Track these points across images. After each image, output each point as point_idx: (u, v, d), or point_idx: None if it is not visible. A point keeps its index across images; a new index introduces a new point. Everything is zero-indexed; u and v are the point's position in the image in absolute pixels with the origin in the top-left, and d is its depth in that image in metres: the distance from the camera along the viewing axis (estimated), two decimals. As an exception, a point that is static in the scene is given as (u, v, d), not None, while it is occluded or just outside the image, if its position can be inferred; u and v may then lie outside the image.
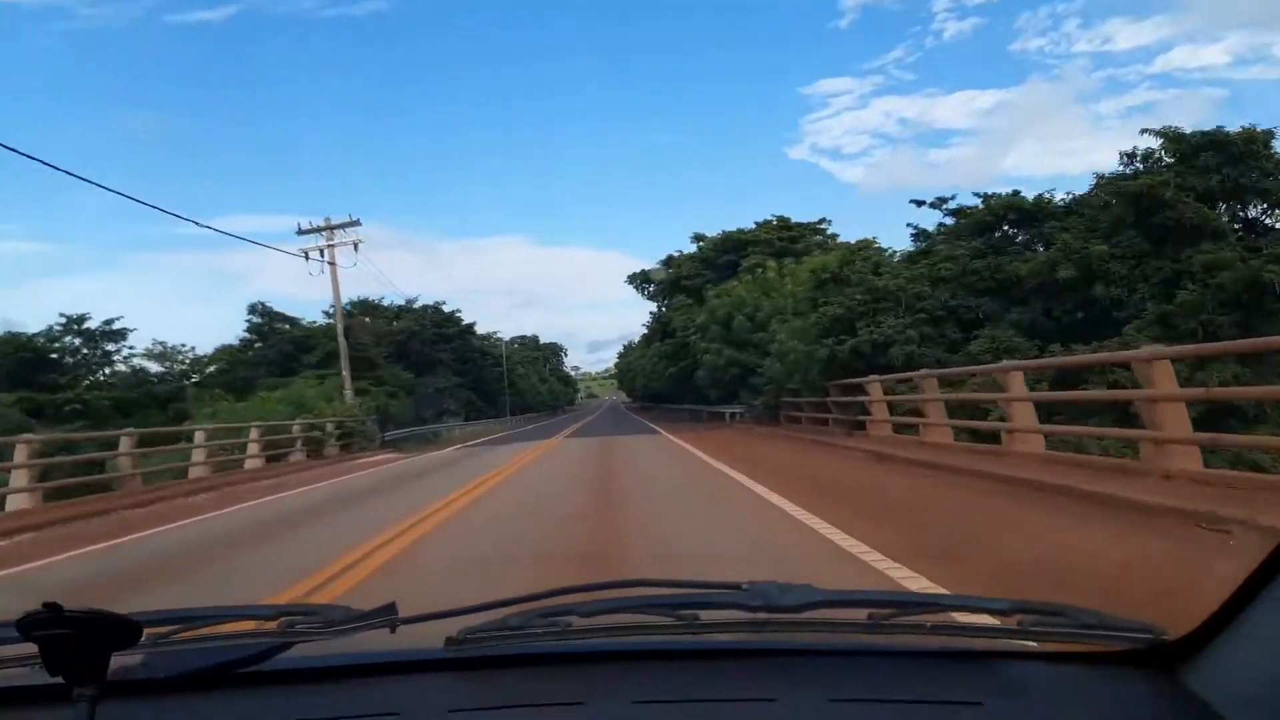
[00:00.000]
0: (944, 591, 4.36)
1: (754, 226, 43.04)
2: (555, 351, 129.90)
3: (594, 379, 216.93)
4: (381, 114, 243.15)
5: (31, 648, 0.98)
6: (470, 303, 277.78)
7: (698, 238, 44.92)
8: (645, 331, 63.62)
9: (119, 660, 1.04)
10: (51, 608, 0.94)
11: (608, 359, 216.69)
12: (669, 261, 48.77)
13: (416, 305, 51.47)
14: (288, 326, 43.03)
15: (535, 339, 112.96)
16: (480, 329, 60.88)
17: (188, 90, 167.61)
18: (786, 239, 40.39)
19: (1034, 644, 1.24)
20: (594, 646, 1.30)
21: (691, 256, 46.08)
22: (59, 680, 0.99)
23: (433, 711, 1.15)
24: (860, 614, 1.26)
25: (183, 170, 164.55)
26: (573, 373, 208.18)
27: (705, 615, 1.29)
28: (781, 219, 43.01)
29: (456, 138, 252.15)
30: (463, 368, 52.95)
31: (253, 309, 43.37)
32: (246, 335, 42.87)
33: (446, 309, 54.03)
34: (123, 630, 0.99)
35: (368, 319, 45.75)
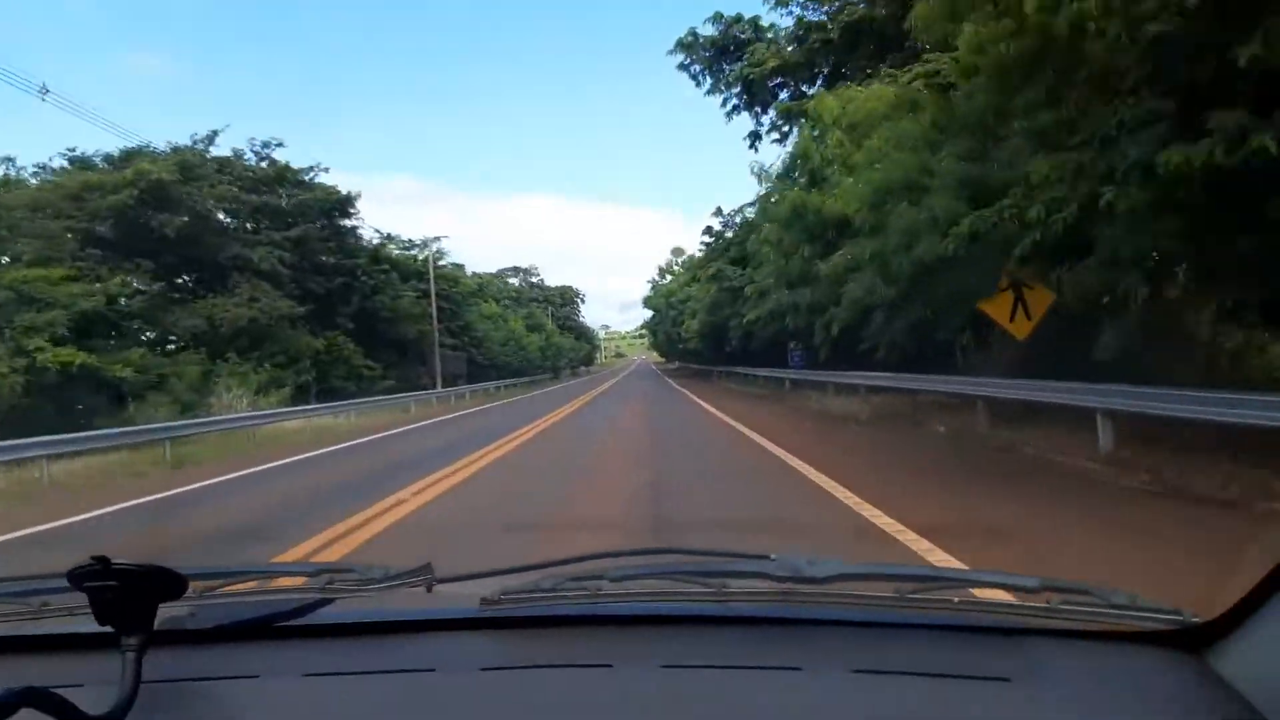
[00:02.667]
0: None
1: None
2: (569, 297, 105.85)
3: (623, 338, 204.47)
4: (428, 65, 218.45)
5: (82, 597, 1.01)
6: (494, 258, 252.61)
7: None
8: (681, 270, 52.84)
9: (166, 611, 1.06)
10: (100, 560, 0.97)
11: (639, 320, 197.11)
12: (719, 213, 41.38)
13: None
14: None
15: (538, 277, 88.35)
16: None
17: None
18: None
19: (1061, 622, 1.22)
20: (623, 610, 1.32)
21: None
22: (108, 629, 1.01)
23: (466, 668, 1.18)
24: (887, 588, 1.29)
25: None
26: (602, 331, 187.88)
27: (734, 584, 1.32)
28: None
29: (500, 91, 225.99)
30: (330, 290, 28.56)
31: None
32: None
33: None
34: (169, 583, 1.02)
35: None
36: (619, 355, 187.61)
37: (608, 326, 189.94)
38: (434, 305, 36.66)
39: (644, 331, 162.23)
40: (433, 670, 1.16)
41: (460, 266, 65.94)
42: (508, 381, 47.13)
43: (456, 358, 38.60)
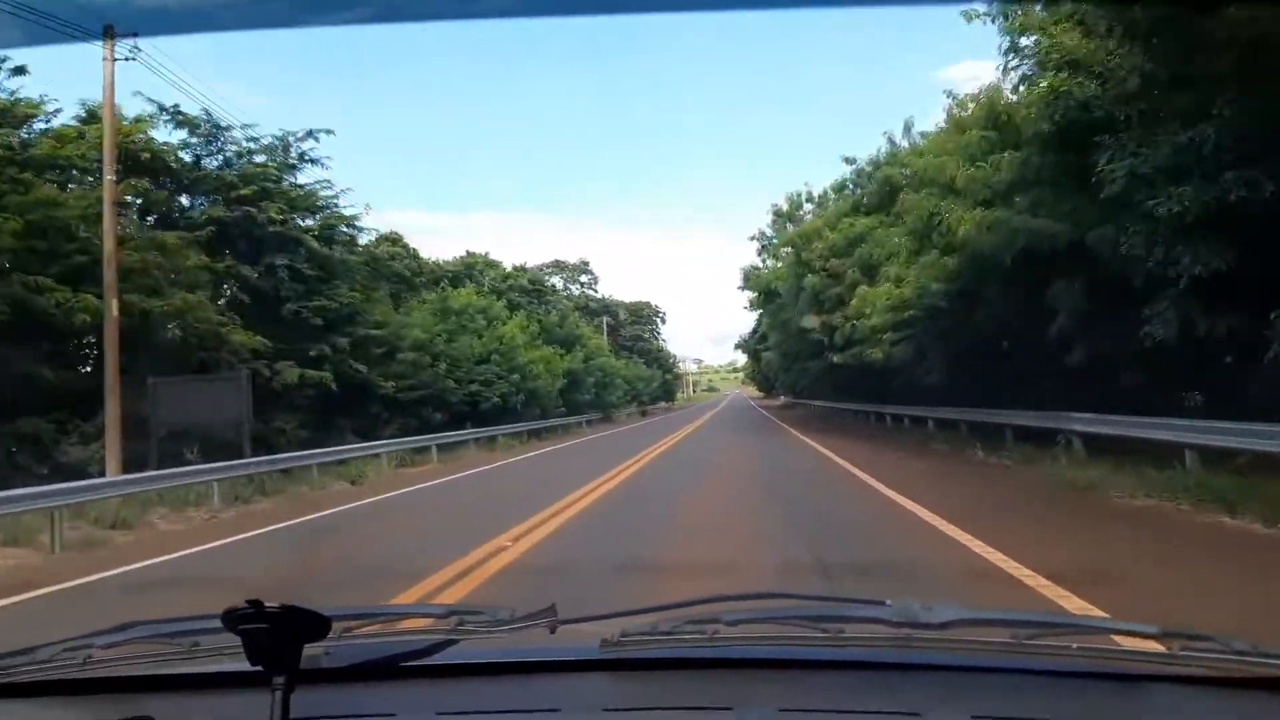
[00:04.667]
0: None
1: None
2: (643, 314, 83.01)
3: (715, 372, 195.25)
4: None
5: (230, 638, 1.09)
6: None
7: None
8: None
9: (308, 650, 1.14)
10: (253, 603, 1.04)
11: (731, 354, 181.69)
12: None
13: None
14: None
15: (589, 276, 64.74)
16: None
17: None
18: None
19: (1186, 669, 1.20)
20: (741, 653, 1.33)
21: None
22: (258, 669, 1.08)
23: (589, 708, 1.23)
24: (1004, 633, 1.27)
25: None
26: (693, 365, 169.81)
27: (849, 629, 1.32)
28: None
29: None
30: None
31: None
32: None
33: None
34: (314, 624, 1.10)
35: None
36: (711, 389, 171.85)
37: (700, 360, 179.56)
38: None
39: (738, 368, 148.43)
40: (557, 710, 1.22)
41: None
42: (470, 434, 23.98)
43: (225, 384, 15.65)
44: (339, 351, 19.92)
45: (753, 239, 33.64)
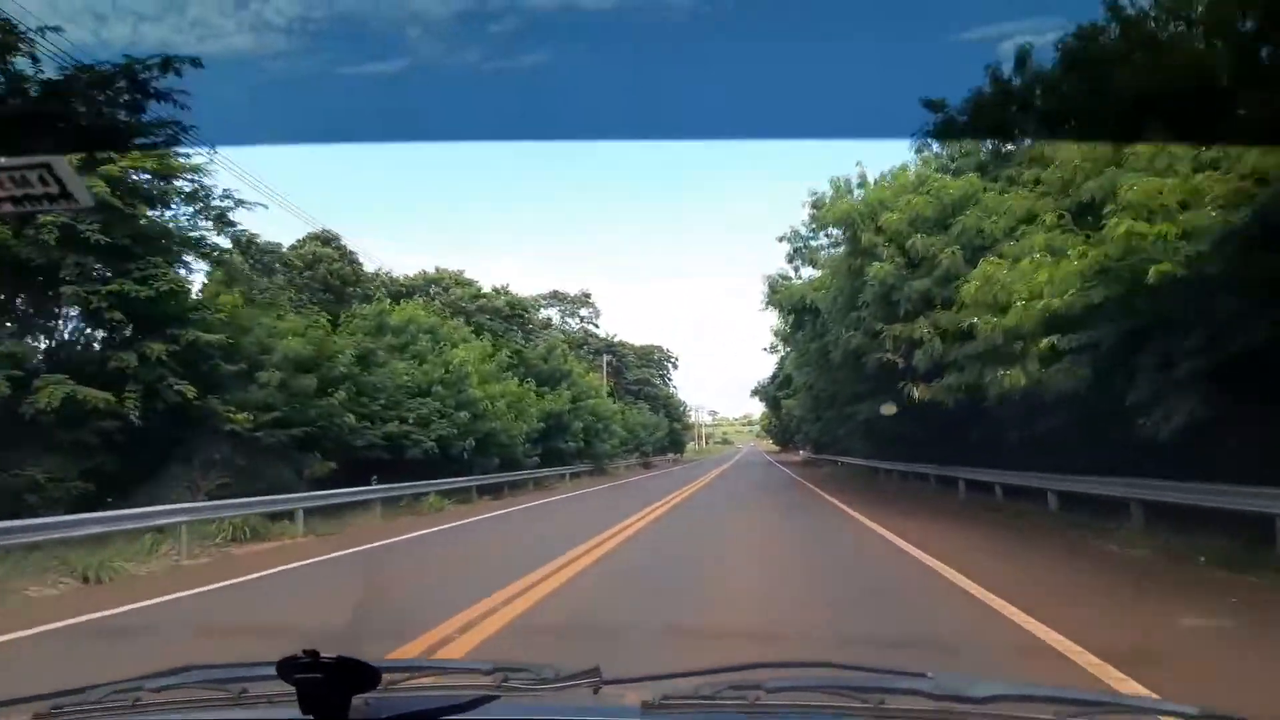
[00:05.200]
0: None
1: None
2: (652, 357, 76.18)
3: (731, 424, 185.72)
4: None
5: (280, 684, 1.12)
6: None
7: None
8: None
9: (356, 699, 1.16)
10: (310, 653, 1.07)
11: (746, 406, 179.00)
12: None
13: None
14: None
15: (591, 309, 57.28)
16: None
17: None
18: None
19: None
20: None
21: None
22: (309, 718, 1.10)
23: None
24: (1046, 710, 1.26)
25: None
26: (708, 416, 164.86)
27: (890, 700, 1.31)
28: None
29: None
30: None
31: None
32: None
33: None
34: (365, 674, 1.12)
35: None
36: (725, 442, 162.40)
37: (715, 412, 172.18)
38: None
39: (753, 421, 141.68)
40: None
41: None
42: (371, 492, 16.64)
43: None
44: (152, 363, 12.75)
45: (782, 239, 23.96)
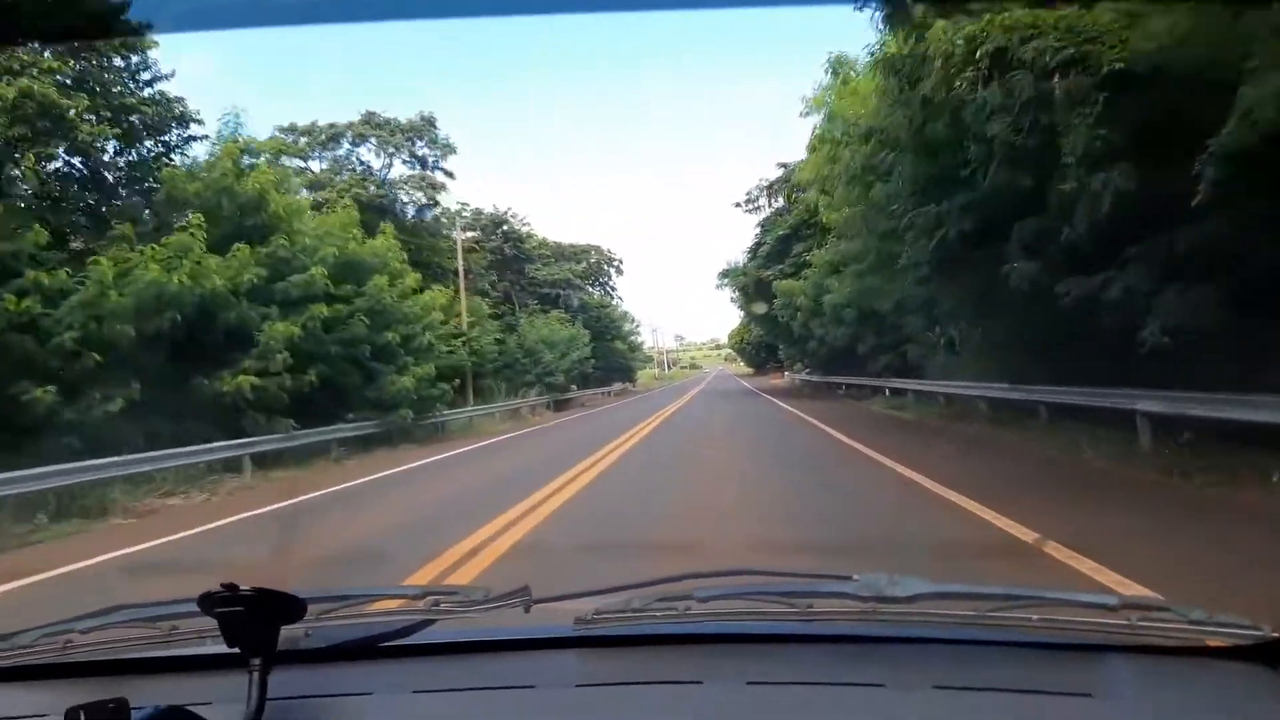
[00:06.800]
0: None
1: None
2: (589, 261, 56.04)
3: (698, 349, 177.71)
4: None
5: (210, 620, 1.08)
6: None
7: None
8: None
9: (285, 632, 1.13)
10: (228, 586, 1.04)
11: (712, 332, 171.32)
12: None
13: None
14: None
15: (444, 147, 34.78)
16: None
17: None
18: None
19: (1140, 639, 1.21)
20: (712, 629, 1.35)
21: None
22: (235, 650, 1.08)
23: (564, 685, 1.23)
24: (968, 606, 1.30)
25: None
26: (675, 342, 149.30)
27: (818, 603, 1.34)
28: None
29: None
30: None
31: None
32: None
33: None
34: (290, 606, 1.10)
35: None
36: (693, 366, 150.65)
37: (682, 337, 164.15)
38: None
39: (720, 345, 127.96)
40: (532, 687, 1.21)
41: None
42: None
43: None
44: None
45: (805, 114, 16.07)
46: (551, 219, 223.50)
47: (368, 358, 17.35)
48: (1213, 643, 1.17)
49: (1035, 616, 1.26)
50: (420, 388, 18.01)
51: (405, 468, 14.49)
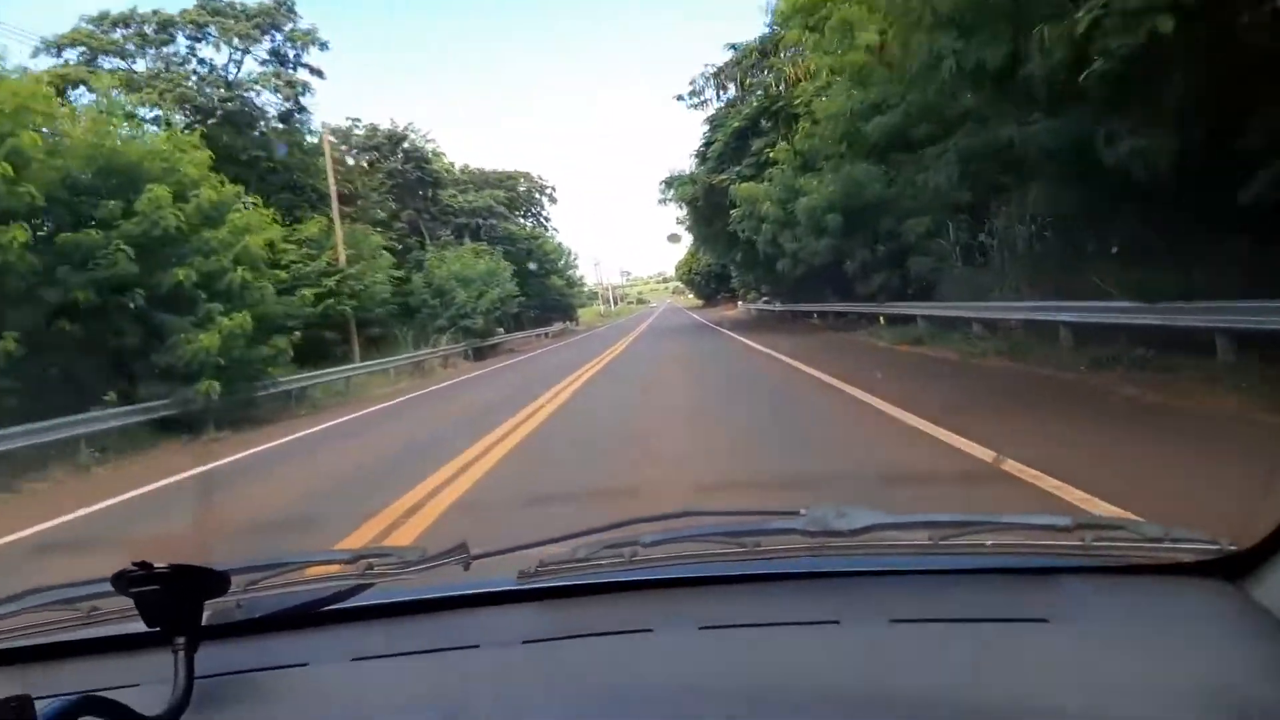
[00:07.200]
0: None
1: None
2: (526, 192, 50.15)
3: (645, 283, 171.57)
4: None
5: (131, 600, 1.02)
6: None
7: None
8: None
9: (214, 606, 1.08)
10: (141, 564, 0.97)
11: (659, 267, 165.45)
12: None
13: None
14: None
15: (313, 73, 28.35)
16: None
17: None
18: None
19: (1095, 559, 1.19)
20: (659, 574, 1.30)
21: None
22: (157, 630, 1.02)
23: (509, 641, 1.17)
24: (920, 535, 1.26)
25: None
26: (622, 278, 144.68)
27: (765, 542, 1.30)
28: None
29: None
30: None
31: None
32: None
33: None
34: (212, 581, 1.03)
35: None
36: (640, 301, 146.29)
37: (629, 272, 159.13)
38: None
39: (666, 279, 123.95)
40: (476, 646, 1.17)
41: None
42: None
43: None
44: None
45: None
46: (480, 149, 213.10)
47: (145, 306, 11.58)
48: (1170, 559, 1.14)
49: (989, 542, 1.22)
50: (235, 347, 12.34)
51: (169, 481, 8.98)
